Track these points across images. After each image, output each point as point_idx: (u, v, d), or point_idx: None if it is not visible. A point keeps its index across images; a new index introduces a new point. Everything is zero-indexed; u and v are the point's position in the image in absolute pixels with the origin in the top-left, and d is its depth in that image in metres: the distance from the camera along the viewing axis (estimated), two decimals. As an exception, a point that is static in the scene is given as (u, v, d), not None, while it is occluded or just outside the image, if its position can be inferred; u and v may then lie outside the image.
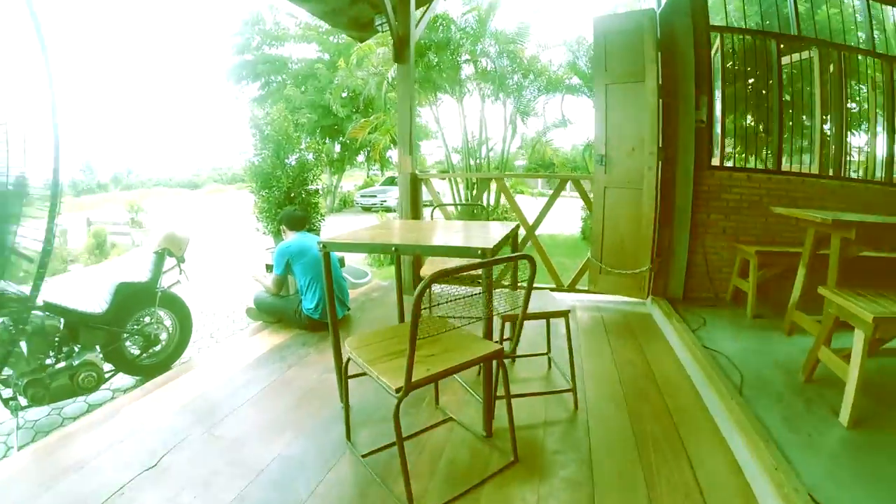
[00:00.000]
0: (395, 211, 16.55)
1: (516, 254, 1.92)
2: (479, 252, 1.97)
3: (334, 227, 12.24)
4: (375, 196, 17.23)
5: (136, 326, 3.73)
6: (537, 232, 4.62)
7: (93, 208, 13.10)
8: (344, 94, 16.19)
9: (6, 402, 3.09)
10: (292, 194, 5.32)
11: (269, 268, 4.62)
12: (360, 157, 20.66)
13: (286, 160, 5.49)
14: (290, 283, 4.00)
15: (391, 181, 19.64)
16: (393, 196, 17.44)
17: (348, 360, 1.88)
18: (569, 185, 4.93)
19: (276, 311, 3.93)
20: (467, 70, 10.45)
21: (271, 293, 3.92)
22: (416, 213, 4.66)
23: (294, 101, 16.79)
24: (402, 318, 3.23)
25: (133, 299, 3.65)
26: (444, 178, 10.57)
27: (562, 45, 10.50)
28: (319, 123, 17.39)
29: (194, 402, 2.67)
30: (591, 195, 4.26)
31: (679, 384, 2.75)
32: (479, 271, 1.78)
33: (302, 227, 3.97)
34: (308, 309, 3.66)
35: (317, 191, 5.82)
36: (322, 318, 3.64)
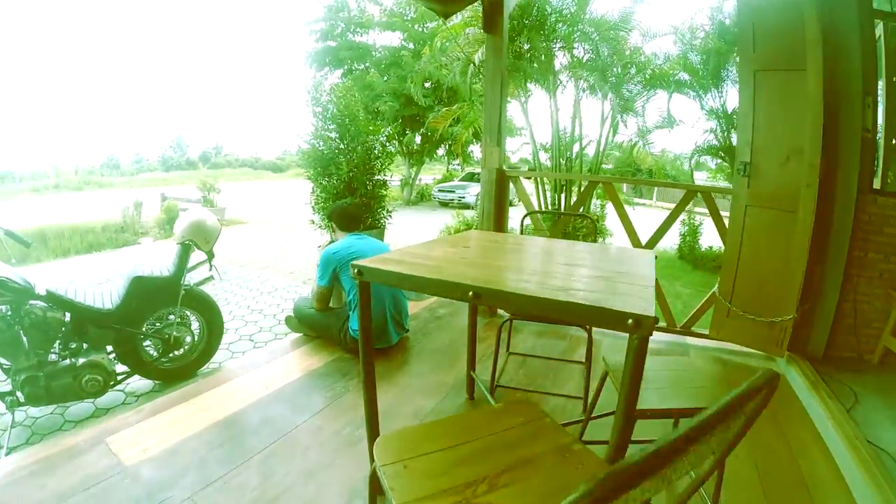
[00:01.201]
0: (473, 209, 15.83)
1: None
2: (630, 322, 1.07)
3: (405, 223, 11.95)
4: (454, 192, 16.57)
5: (155, 326, 3.20)
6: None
7: (181, 184, 13.34)
8: (427, 85, 15.60)
9: (2, 396, 2.73)
10: (354, 185, 4.65)
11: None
12: (441, 151, 20.09)
13: (351, 145, 4.84)
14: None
15: (470, 177, 18.97)
16: (472, 193, 16.75)
17: (374, 470, 1.11)
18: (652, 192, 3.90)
19: (317, 327, 3.28)
20: (561, 60, 9.45)
21: (313, 307, 3.25)
22: (500, 219, 3.88)
23: (376, 88, 16.44)
24: (472, 361, 2.49)
25: (151, 296, 3.13)
26: (536, 178, 9.55)
27: (670, 33, 9.23)
28: (401, 112, 16.93)
29: (179, 452, 2.03)
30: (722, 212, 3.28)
31: (837, 498, 1.91)
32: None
33: (356, 226, 3.27)
34: (355, 330, 2.98)
35: (384, 182, 5.13)
36: (374, 342, 2.95)
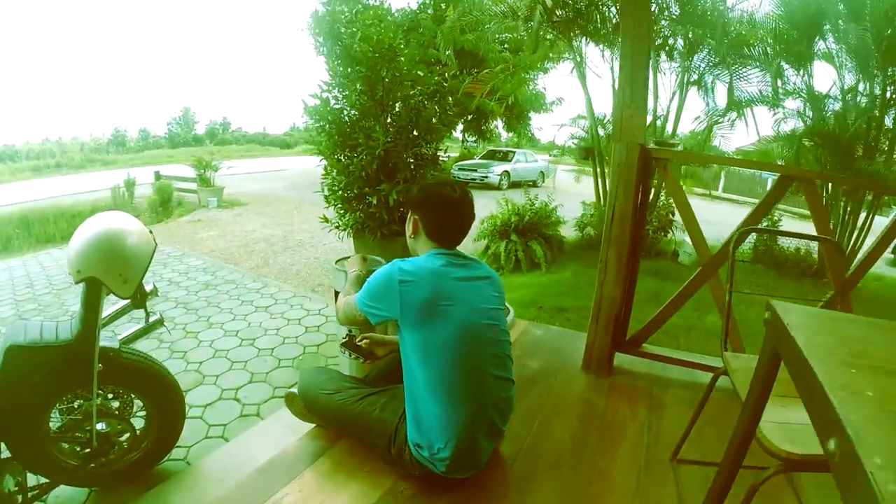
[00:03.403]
0: (500, 188, 14.26)
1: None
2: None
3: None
4: (476, 170, 14.95)
5: (65, 419, 1.83)
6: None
7: (186, 161, 11.96)
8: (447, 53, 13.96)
9: None
10: (391, 163, 3.09)
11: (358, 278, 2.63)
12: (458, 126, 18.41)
13: (387, 100, 3.22)
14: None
15: (492, 155, 17.34)
16: (496, 172, 15.16)
17: None
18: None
19: (342, 424, 1.84)
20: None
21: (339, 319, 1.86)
22: (638, 224, 2.45)
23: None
24: None
25: (44, 376, 1.70)
26: (596, 166, 7.88)
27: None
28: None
29: None
30: None
31: None
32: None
33: (456, 237, 1.72)
34: (421, 447, 1.58)
35: (435, 159, 3.49)
36: (452, 471, 1.58)
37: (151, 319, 2.09)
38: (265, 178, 16.31)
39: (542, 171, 17.50)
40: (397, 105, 3.15)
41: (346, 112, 3.25)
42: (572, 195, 8.29)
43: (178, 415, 2.08)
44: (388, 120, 3.15)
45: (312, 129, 3.31)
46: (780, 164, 6.65)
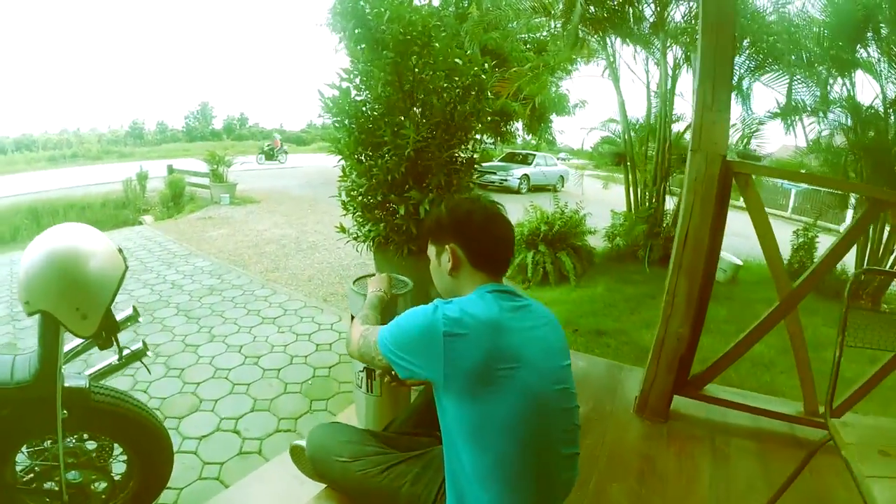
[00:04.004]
0: (519, 192, 13.86)
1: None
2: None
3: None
4: (495, 173, 14.53)
5: (33, 465, 1.50)
6: None
7: (201, 155, 11.75)
8: (471, 50, 13.58)
9: None
10: (422, 166, 2.67)
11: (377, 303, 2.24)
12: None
13: (420, 94, 2.78)
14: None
15: (511, 157, 16.99)
16: (516, 175, 14.75)
17: None
18: None
19: (361, 494, 1.47)
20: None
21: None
22: (714, 244, 2.04)
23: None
24: None
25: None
26: (632, 175, 7.41)
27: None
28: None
29: None
30: None
31: None
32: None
33: (501, 267, 1.33)
34: None
35: (472, 164, 3.04)
36: None
37: (133, 347, 1.73)
38: (280, 174, 16.02)
39: (561, 176, 17.07)
40: (432, 99, 2.71)
41: (368, 105, 2.84)
42: (601, 202, 7.87)
43: (164, 460, 1.73)
44: (419, 115, 2.72)
45: (330, 124, 2.90)
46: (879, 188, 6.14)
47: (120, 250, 1.45)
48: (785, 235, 6.68)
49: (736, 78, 7.36)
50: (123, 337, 1.55)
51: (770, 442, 2.19)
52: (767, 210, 2.15)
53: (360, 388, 2.32)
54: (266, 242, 6.93)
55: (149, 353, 1.71)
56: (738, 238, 7.61)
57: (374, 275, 2.48)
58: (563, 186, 16.61)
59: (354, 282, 2.32)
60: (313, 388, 3.01)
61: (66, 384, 1.42)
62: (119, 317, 1.54)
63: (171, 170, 10.60)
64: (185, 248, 6.35)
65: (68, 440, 1.53)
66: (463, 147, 2.86)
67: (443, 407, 1.17)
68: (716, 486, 1.91)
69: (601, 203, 8.06)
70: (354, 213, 3.04)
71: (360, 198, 2.94)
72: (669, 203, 7.30)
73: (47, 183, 12.21)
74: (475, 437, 1.13)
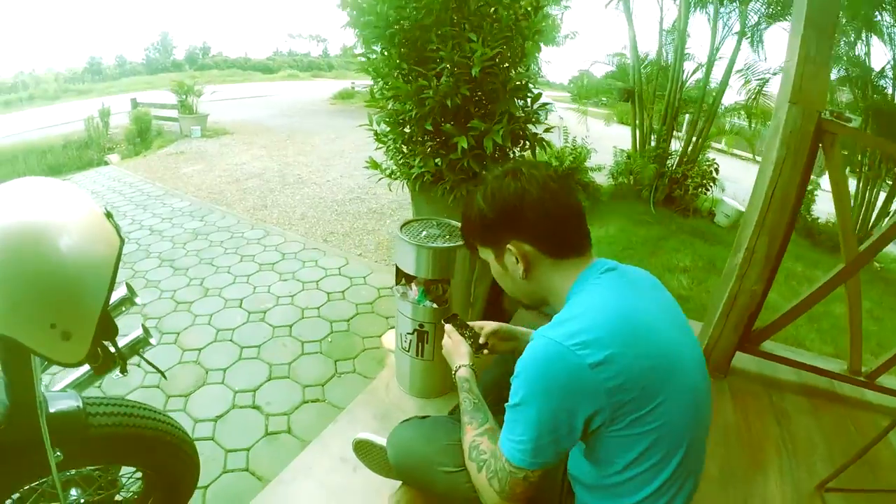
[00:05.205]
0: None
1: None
2: None
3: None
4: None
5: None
6: None
7: (165, 87, 10.86)
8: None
9: None
10: (487, 89, 2.17)
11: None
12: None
13: (475, 18, 2.22)
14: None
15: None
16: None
17: None
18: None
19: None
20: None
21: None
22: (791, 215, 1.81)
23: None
24: None
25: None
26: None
27: None
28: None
29: None
30: None
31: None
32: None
33: (586, 242, 0.99)
34: None
35: (534, 114, 2.53)
36: None
37: (132, 336, 1.35)
38: (250, 104, 15.05)
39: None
40: (498, 8, 2.18)
41: (412, 5, 2.16)
42: (603, 138, 7.56)
43: (188, 472, 1.42)
44: (488, 29, 2.08)
45: (359, 33, 2.35)
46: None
47: (109, 215, 0.99)
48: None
49: (751, 23, 6.90)
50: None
51: (818, 398, 2.25)
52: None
53: (408, 351, 2.05)
54: (247, 177, 6.42)
55: (152, 340, 1.34)
56: (730, 183, 7.48)
57: (423, 219, 2.10)
58: (546, 119, 16.08)
59: (402, 226, 1.99)
60: (334, 347, 2.70)
61: (54, 410, 1.04)
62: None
63: (135, 104, 9.69)
64: (159, 187, 5.82)
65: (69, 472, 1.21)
66: (524, 85, 2.38)
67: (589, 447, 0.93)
68: (784, 442, 1.94)
69: (604, 138, 7.74)
70: (394, 147, 2.57)
71: (405, 128, 2.47)
72: (674, 144, 7.12)
73: (4, 129, 11.17)
74: (630, 454, 0.87)
